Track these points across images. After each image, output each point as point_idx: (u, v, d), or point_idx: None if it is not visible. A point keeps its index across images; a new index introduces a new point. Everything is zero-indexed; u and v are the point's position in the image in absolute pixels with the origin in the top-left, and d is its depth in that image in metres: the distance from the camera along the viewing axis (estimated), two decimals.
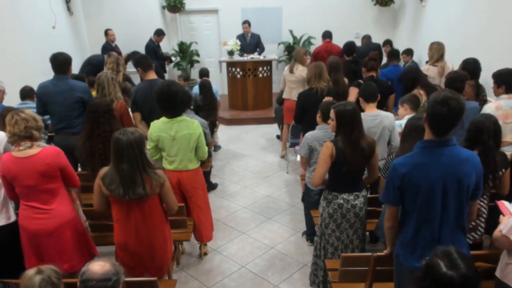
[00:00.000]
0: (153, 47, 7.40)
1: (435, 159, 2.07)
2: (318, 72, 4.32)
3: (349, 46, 5.71)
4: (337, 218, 3.00)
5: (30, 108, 4.29)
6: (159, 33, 7.56)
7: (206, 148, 3.43)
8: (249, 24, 8.02)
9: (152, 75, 4.27)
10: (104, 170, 2.61)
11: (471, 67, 4.18)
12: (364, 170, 2.99)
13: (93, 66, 6.36)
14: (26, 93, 4.64)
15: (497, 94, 3.55)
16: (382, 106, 3.95)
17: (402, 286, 2.34)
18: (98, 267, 1.90)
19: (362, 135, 2.86)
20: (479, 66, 4.22)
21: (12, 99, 4.50)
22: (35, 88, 4.29)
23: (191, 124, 3.28)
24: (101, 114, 3.29)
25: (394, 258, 2.37)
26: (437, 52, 4.89)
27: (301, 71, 5.53)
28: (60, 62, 4.01)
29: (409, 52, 6.16)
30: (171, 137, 3.22)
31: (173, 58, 8.36)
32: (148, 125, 3.43)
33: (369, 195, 3.19)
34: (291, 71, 5.52)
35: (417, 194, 2.11)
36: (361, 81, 4.44)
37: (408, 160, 2.13)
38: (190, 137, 3.26)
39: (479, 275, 1.55)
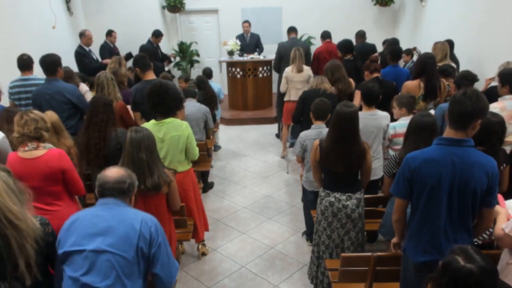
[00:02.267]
0: (151, 49, 7.34)
1: (447, 157, 2.08)
2: (321, 79, 4.44)
3: (348, 44, 5.68)
4: (328, 216, 3.02)
5: (36, 80, 4.31)
6: (157, 35, 7.48)
7: (197, 149, 3.43)
8: (250, 24, 8.02)
9: (151, 75, 4.26)
10: None
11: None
12: (357, 173, 3.00)
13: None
14: (24, 63, 4.29)
15: (501, 94, 3.55)
16: (386, 106, 3.94)
17: (408, 279, 2.36)
18: (112, 172, 2.01)
19: (353, 141, 2.83)
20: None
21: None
22: None
23: (179, 126, 3.27)
24: (101, 104, 3.38)
25: (402, 252, 2.41)
26: (441, 51, 4.86)
27: (307, 70, 5.53)
28: (47, 64, 4.02)
29: (409, 52, 6.15)
30: (159, 139, 3.22)
31: (172, 59, 8.34)
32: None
33: (366, 196, 3.20)
34: (300, 70, 5.44)
35: (424, 189, 2.14)
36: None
37: (420, 155, 2.16)
38: (179, 138, 3.26)
39: (496, 269, 1.56)
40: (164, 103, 3.24)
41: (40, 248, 1.81)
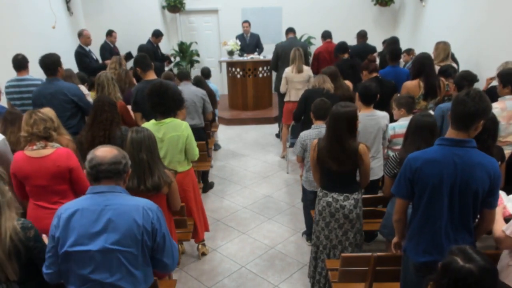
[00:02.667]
0: (152, 49, 7.32)
1: (448, 157, 2.08)
2: (322, 78, 4.43)
3: (344, 45, 5.75)
4: (326, 216, 3.02)
5: (31, 80, 4.33)
6: (157, 35, 7.47)
7: (197, 150, 3.43)
8: (250, 24, 8.02)
9: (151, 75, 4.26)
10: None
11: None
12: (355, 173, 2.99)
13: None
14: (19, 63, 4.32)
15: (501, 94, 3.55)
16: (386, 106, 3.94)
17: (408, 279, 2.36)
18: (104, 151, 1.89)
19: (342, 139, 2.81)
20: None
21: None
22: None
23: (179, 126, 3.27)
24: (106, 103, 3.38)
25: (402, 252, 2.42)
26: (443, 51, 4.86)
27: (307, 70, 5.53)
28: (47, 64, 4.01)
29: (409, 51, 6.15)
30: (158, 139, 3.22)
31: (172, 59, 8.34)
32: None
33: (364, 196, 3.20)
34: (300, 70, 5.44)
35: (425, 190, 2.14)
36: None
37: (422, 155, 2.16)
38: (178, 139, 3.26)
39: (496, 268, 1.56)
40: (164, 103, 3.25)
41: (17, 251, 1.80)
